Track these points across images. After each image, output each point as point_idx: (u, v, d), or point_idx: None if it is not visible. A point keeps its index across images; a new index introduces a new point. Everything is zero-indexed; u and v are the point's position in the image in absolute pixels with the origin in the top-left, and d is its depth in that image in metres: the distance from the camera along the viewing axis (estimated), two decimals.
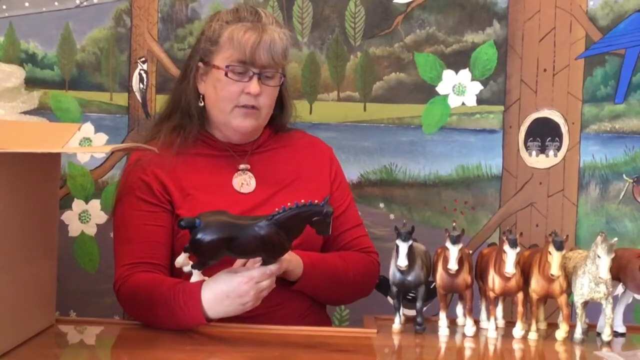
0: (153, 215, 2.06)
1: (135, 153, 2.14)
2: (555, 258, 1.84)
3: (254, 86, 2.05)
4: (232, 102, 2.08)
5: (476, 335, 1.93)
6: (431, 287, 1.95)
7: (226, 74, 2.06)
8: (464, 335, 1.93)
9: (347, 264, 2.10)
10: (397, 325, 1.95)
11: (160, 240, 2.06)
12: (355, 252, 2.16)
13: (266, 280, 1.83)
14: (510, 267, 1.85)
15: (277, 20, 2.13)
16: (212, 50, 2.09)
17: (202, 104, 2.12)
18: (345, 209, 2.20)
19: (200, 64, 2.11)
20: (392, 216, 2.56)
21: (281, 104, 2.19)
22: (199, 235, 1.77)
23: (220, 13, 2.13)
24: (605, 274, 1.81)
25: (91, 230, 2.55)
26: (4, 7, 2.54)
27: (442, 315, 1.93)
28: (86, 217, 2.55)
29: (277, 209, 1.78)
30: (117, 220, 2.12)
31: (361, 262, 2.15)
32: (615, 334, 1.92)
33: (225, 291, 1.84)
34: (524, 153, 2.56)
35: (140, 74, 2.56)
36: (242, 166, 2.13)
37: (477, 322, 1.97)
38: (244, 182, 2.12)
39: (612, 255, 1.81)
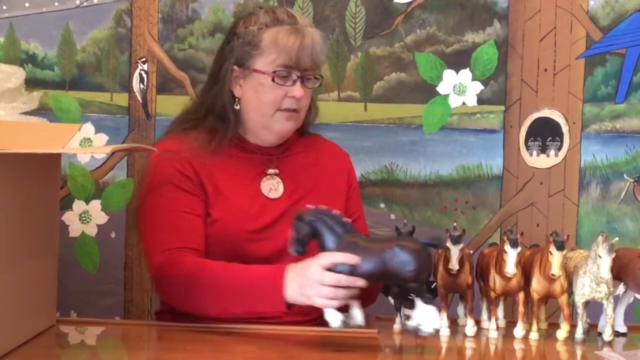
0: (191, 204, 2.04)
1: (163, 143, 2.12)
2: (556, 258, 1.83)
3: (298, 90, 2.06)
4: (275, 106, 2.08)
5: (477, 336, 1.93)
6: (432, 287, 1.95)
7: (273, 79, 2.05)
8: (465, 335, 1.93)
9: None
10: (398, 325, 1.95)
11: (200, 230, 2.03)
12: None
13: (331, 275, 1.74)
14: (511, 267, 1.85)
15: (309, 21, 2.14)
16: (252, 54, 2.07)
17: (238, 107, 2.11)
18: (356, 219, 2.19)
19: (236, 67, 2.10)
20: (392, 216, 2.56)
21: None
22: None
23: (255, 15, 2.11)
24: (606, 274, 1.81)
25: (92, 230, 2.55)
26: (4, 7, 2.54)
27: (443, 315, 1.92)
28: (87, 217, 2.55)
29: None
30: (152, 207, 2.06)
31: None
32: (617, 334, 1.92)
33: (300, 267, 1.81)
34: (524, 153, 2.56)
35: (140, 75, 2.55)
36: (271, 171, 2.13)
37: (478, 322, 1.97)
38: (272, 187, 2.12)
39: (613, 255, 1.81)
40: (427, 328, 1.74)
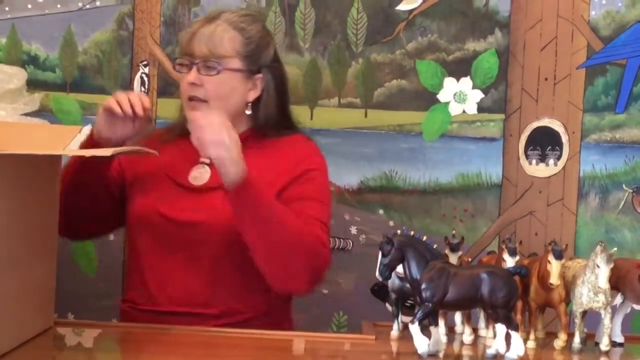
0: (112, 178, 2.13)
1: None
2: (554, 267, 1.83)
3: (190, 76, 2.05)
4: (184, 95, 2.08)
5: (474, 344, 1.93)
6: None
7: (173, 67, 2.17)
8: (462, 343, 1.93)
9: (299, 218, 1.96)
10: (395, 331, 1.95)
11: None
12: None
13: None
14: None
15: (246, 17, 2.09)
16: None
17: None
18: (302, 198, 2.02)
19: None
20: (391, 223, 2.56)
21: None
22: None
23: None
24: (604, 284, 1.81)
25: None
26: (7, 8, 2.54)
27: (441, 323, 1.92)
28: None
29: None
30: None
31: (312, 232, 1.99)
32: (614, 344, 1.92)
33: None
34: (524, 161, 2.56)
35: (141, 77, 2.56)
36: (202, 160, 2.05)
37: (475, 330, 1.97)
38: (198, 174, 2.08)
39: (611, 265, 1.81)
40: (512, 355, 1.72)
